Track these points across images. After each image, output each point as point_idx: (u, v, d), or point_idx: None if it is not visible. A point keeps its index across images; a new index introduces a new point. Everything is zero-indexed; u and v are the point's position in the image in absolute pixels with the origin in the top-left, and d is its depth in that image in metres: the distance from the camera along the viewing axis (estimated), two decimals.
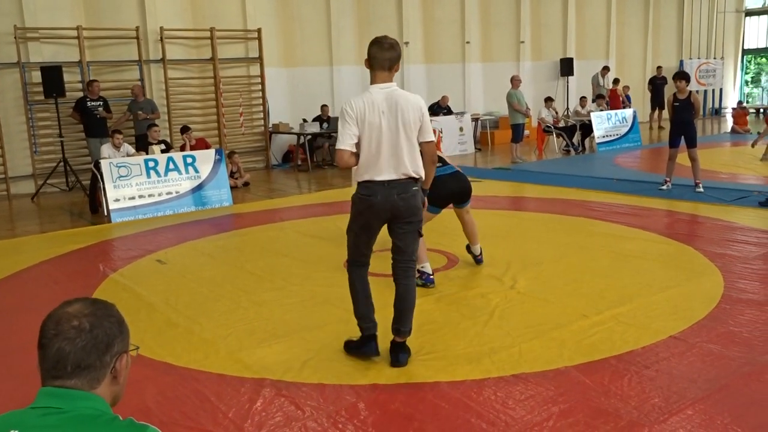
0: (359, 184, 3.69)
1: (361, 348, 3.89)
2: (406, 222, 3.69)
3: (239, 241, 7.26)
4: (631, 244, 6.37)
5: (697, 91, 18.97)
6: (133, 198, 8.74)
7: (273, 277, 5.71)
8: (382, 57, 3.63)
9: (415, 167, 3.65)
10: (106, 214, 8.98)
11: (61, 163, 11.14)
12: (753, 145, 11.93)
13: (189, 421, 3.26)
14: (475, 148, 15.33)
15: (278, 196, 10.29)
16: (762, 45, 23.39)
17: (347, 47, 15.01)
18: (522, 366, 3.72)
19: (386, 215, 3.66)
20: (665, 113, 19.14)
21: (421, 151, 3.74)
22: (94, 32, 11.65)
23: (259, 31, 13.26)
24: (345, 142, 3.59)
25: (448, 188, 5.51)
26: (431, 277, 5.30)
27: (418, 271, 5.17)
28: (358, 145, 3.62)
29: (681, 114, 8.60)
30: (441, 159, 5.54)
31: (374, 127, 3.58)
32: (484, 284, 5.33)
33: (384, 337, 3.88)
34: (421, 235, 3.86)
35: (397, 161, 3.59)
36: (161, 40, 12.18)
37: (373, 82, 3.69)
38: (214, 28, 12.72)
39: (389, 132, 3.58)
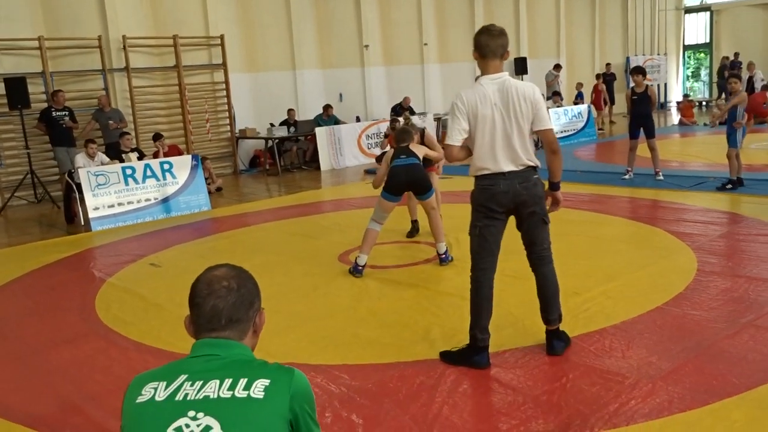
0: (477, 177, 3.64)
1: (472, 358, 3.69)
2: (531, 212, 3.62)
3: (228, 243, 7.40)
4: (606, 228, 6.79)
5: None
6: (113, 206, 8.77)
7: (272, 274, 5.89)
8: (495, 44, 3.52)
9: (529, 156, 3.58)
10: (82, 223, 8.99)
11: (29, 175, 11.02)
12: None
13: None
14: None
15: (253, 199, 10.41)
16: (701, 41, 24.49)
17: (309, 51, 15.21)
18: (528, 340, 4.01)
19: (510, 205, 3.59)
20: (615, 108, 20.13)
21: (541, 140, 3.67)
22: (56, 42, 11.56)
23: (222, 37, 13.34)
24: (453, 137, 3.58)
25: (400, 178, 5.72)
26: (360, 268, 5.63)
27: (355, 262, 5.70)
28: (467, 139, 3.60)
29: (639, 107, 9.10)
30: (406, 150, 5.85)
31: (487, 120, 3.52)
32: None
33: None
34: (546, 223, 3.72)
35: (512, 152, 3.54)
36: (124, 48, 12.15)
37: (484, 72, 3.59)
38: (177, 36, 12.75)
39: (502, 124, 3.52)
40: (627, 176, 9.39)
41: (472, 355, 3.68)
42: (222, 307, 1.66)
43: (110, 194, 8.78)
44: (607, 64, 19.65)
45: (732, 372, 3.42)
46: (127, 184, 8.92)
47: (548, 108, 14.66)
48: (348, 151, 13.85)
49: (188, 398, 1.53)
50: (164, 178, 9.23)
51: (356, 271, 5.62)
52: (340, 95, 15.76)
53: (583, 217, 7.34)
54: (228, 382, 1.55)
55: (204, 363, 1.61)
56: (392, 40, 16.72)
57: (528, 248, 3.77)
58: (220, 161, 13.65)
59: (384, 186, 5.78)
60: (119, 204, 8.83)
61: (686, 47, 24.52)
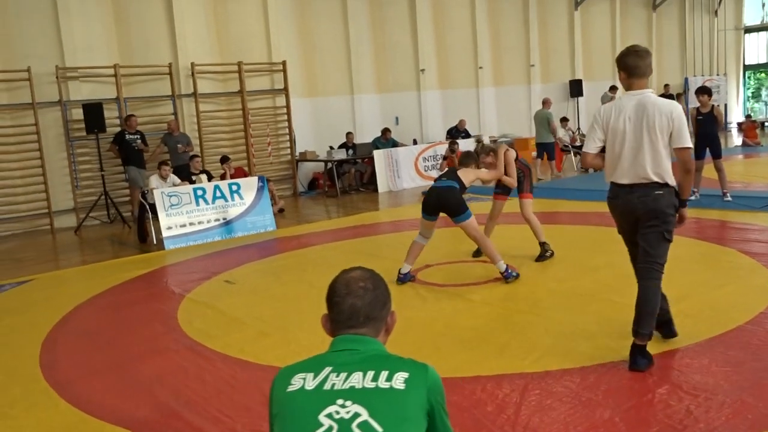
0: (610, 186, 3.93)
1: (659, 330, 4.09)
2: (648, 225, 3.75)
3: (296, 261, 7.60)
4: (677, 249, 6.68)
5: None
6: (184, 225, 9.10)
7: None
8: (644, 64, 3.78)
9: (658, 171, 3.70)
10: (155, 242, 9.34)
11: (102, 196, 11.52)
12: None
13: None
14: None
15: (314, 220, 10.65)
16: (762, 61, 24.00)
17: (366, 75, 15.55)
18: (606, 357, 4.04)
19: (630, 217, 3.82)
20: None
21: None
22: (130, 70, 12.13)
23: (284, 63, 13.76)
24: (589, 145, 3.92)
25: (431, 199, 6.04)
26: (402, 276, 6.08)
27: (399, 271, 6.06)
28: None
29: (705, 127, 9.02)
30: (450, 173, 6.21)
31: (618, 132, 3.76)
32: (553, 286, 5.68)
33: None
34: (668, 240, 3.80)
35: (637, 165, 3.72)
36: (192, 75, 12.65)
37: (628, 89, 3.85)
38: (242, 62, 13.21)
39: (633, 136, 3.72)
40: (693, 197, 9.26)
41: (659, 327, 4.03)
42: (360, 305, 1.81)
43: (182, 214, 9.12)
44: (666, 85, 19.42)
45: None
46: (198, 204, 9.26)
47: None
48: (405, 173, 14.02)
49: (335, 388, 1.67)
50: (232, 199, 9.54)
51: (399, 280, 6.05)
52: (396, 119, 16.00)
53: None
54: (371, 374, 1.68)
55: (346, 357, 1.75)
56: (447, 64, 16.93)
57: (639, 257, 3.87)
58: (280, 183, 13.99)
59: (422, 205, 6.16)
60: (190, 224, 9.16)
61: (746, 67, 24.05)
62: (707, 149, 9.10)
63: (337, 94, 15.16)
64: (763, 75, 24.75)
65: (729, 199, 9.00)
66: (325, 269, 6.97)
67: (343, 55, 15.14)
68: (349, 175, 14.30)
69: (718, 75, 22.37)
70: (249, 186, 9.77)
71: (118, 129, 11.59)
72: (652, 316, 3.81)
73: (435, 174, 14.04)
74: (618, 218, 3.93)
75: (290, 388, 1.72)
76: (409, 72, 16.24)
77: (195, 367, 4.45)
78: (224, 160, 11.08)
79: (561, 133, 14.75)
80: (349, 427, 1.60)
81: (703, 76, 21.97)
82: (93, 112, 11.19)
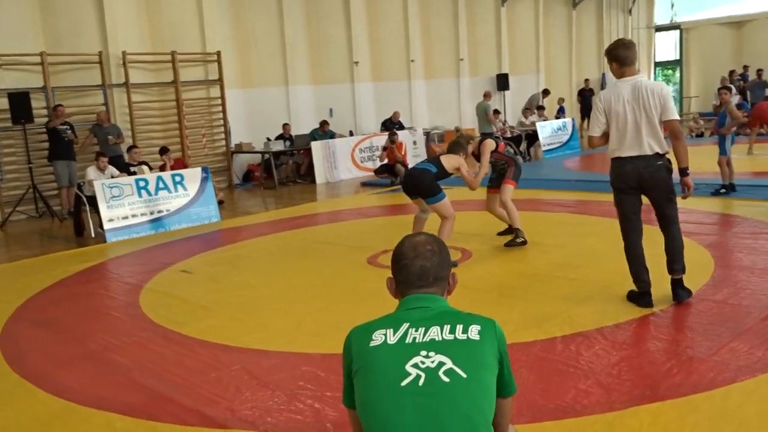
0: (612, 159, 4.49)
1: (638, 299, 4.61)
2: (654, 190, 4.44)
3: (250, 250, 7.58)
4: (612, 232, 7.15)
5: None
6: (127, 217, 8.88)
7: (307, 276, 6.12)
8: (632, 54, 4.40)
9: (656, 143, 4.35)
10: (93, 235, 9.07)
11: (30, 190, 11.05)
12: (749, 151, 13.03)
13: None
14: None
15: (257, 211, 10.59)
16: (670, 58, 25.44)
17: (301, 67, 15.51)
18: (576, 327, 4.31)
19: (635, 183, 4.43)
20: None
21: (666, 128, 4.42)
22: (57, 58, 11.65)
23: (218, 53, 13.56)
24: (594, 130, 4.51)
25: (407, 180, 6.43)
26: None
27: None
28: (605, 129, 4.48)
29: None
30: (432, 158, 6.51)
31: (620, 114, 4.35)
32: (524, 263, 5.94)
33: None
34: (672, 199, 4.48)
35: (639, 141, 4.34)
36: (124, 64, 12.29)
37: (620, 77, 4.41)
38: (176, 52, 12.93)
39: (633, 116, 4.33)
40: None
41: (640, 297, 4.60)
42: (429, 266, 1.94)
43: (124, 206, 8.89)
44: (586, 80, 20.33)
45: None
46: (140, 196, 9.05)
47: (534, 122, 15.19)
48: (342, 164, 14.11)
49: (416, 341, 1.80)
50: (176, 190, 9.38)
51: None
52: (331, 110, 16.05)
53: (595, 221, 7.71)
54: (447, 327, 1.82)
55: (420, 313, 1.88)
56: (380, 57, 17.10)
57: (658, 216, 4.60)
58: (215, 175, 13.70)
59: None
60: (133, 215, 8.95)
61: (657, 64, 25.43)
62: None
63: (272, 85, 15.06)
64: (669, 71, 26.22)
65: None
66: (281, 257, 7.06)
67: (278, 47, 15.05)
68: (286, 167, 14.25)
69: None
70: (193, 177, 9.63)
71: (46, 119, 11.13)
72: (682, 253, 4.55)
73: (372, 165, 14.24)
74: (625, 183, 4.47)
75: (372, 343, 1.82)
76: (343, 64, 16.31)
77: (173, 353, 4.42)
78: (164, 151, 10.85)
79: (499, 125, 15.24)
80: (436, 374, 1.74)
81: None
82: (19, 101, 10.71)
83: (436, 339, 1.80)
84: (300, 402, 3.54)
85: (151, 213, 9.10)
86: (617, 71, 4.46)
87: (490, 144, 6.62)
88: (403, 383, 1.74)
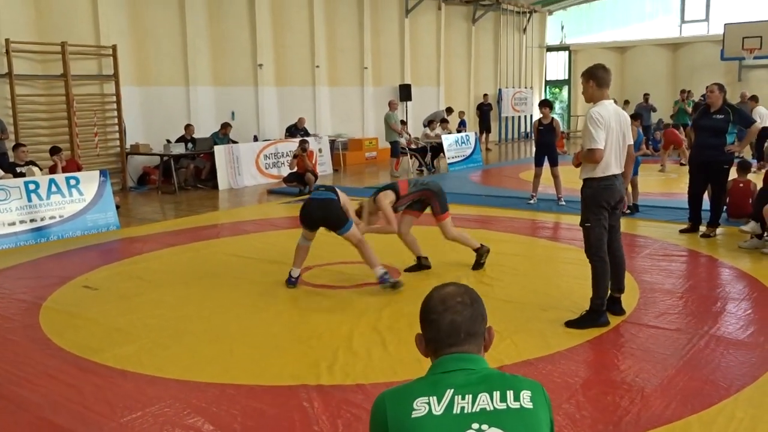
0: (600, 178, 4.62)
1: (597, 320, 4.71)
2: (619, 204, 4.80)
3: (159, 263, 7.03)
4: (537, 249, 7.26)
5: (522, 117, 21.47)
6: (14, 224, 8.04)
7: (229, 295, 5.73)
8: (609, 77, 4.68)
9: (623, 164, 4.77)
10: None
11: None
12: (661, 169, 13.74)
13: None
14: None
15: (157, 219, 9.94)
16: (559, 77, 26.65)
17: (202, 67, 14.82)
18: (523, 355, 4.26)
19: (616, 198, 4.70)
20: (491, 136, 21.43)
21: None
22: None
23: (114, 47, 12.69)
24: (600, 143, 4.52)
25: (308, 212, 5.79)
26: (293, 279, 5.93)
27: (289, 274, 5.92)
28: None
29: (545, 137, 9.82)
30: (327, 186, 6.09)
31: (613, 132, 4.61)
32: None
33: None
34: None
35: (620, 160, 4.72)
36: (7, 53, 11.21)
37: (600, 98, 4.65)
38: (66, 43, 11.97)
39: (618, 136, 4.66)
40: (532, 201, 10.06)
41: (599, 318, 4.71)
42: (460, 321, 1.72)
43: (11, 211, 8.04)
44: (485, 95, 20.84)
45: (716, 377, 3.86)
46: (30, 200, 8.22)
47: (438, 134, 15.34)
48: (246, 170, 13.60)
49: (465, 411, 1.58)
50: (70, 194, 8.60)
51: (290, 282, 5.92)
52: (233, 113, 15.46)
53: (507, 238, 7.79)
54: (497, 394, 1.61)
55: (465, 377, 1.65)
56: (285, 61, 16.68)
57: (613, 231, 4.82)
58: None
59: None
60: (21, 221, 8.11)
61: (547, 82, 26.55)
62: (545, 157, 9.90)
63: (172, 85, 14.28)
64: (557, 90, 27.45)
65: (563, 203, 9.86)
66: (195, 272, 6.61)
67: (178, 45, 14.28)
68: (186, 171, 13.54)
69: (525, 88, 24.45)
70: (89, 180, 8.88)
71: None
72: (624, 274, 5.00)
73: (277, 172, 13.83)
74: (613, 200, 4.71)
75: (415, 414, 1.59)
76: (246, 66, 15.75)
77: (91, 386, 3.94)
78: (55, 150, 9.93)
79: (406, 136, 15.26)
80: None
81: (513, 87, 23.89)
82: None
83: (488, 408, 1.60)
84: None
85: (42, 219, 8.29)
86: (596, 92, 4.67)
87: (384, 196, 6.03)
88: None
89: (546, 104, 9.87)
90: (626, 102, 19.23)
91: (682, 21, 23.36)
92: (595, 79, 4.64)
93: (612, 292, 4.89)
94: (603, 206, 4.67)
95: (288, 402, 3.66)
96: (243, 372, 4.09)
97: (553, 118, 9.89)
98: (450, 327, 1.71)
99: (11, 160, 9.65)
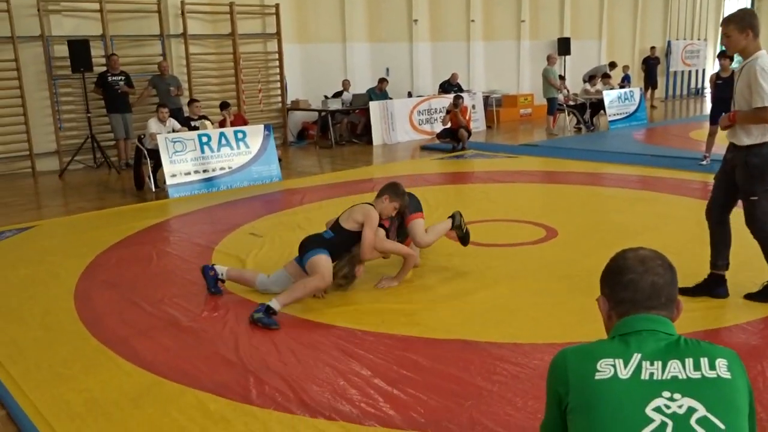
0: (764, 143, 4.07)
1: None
2: None
3: (319, 214, 7.26)
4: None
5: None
6: (189, 173, 8.67)
7: None
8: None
9: None
10: (153, 189, 8.88)
11: (88, 139, 10.91)
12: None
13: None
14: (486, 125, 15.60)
15: (317, 172, 10.30)
16: None
17: (359, 24, 15.00)
18: (695, 324, 3.94)
19: None
20: (658, 92, 19.97)
21: None
22: (116, 5, 11.38)
23: (276, 6, 13.15)
24: None
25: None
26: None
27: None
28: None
29: (724, 91, 8.92)
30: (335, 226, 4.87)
31: None
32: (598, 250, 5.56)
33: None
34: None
35: None
36: (182, 14, 11.98)
37: (756, 50, 4.03)
38: (234, 3, 12.56)
39: None
40: (704, 162, 9.26)
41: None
42: (661, 284, 1.59)
43: (187, 161, 8.67)
44: (652, 48, 19.38)
45: None
46: (203, 152, 8.81)
47: (599, 90, 14.52)
48: (400, 126, 13.70)
49: (655, 378, 1.46)
50: (238, 147, 9.12)
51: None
52: (387, 70, 15.56)
53: (675, 201, 7.25)
54: (689, 361, 1.48)
55: (654, 342, 1.53)
56: (440, 16, 16.47)
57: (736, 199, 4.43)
58: None
59: None
60: (195, 172, 8.73)
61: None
62: (722, 114, 9.01)
63: (329, 42, 14.61)
64: None
65: None
66: None
67: (336, 2, 14.54)
68: (341, 126, 13.89)
69: (698, 39, 22.46)
70: (255, 134, 9.35)
71: (104, 69, 10.91)
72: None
73: (430, 128, 13.80)
74: None
75: (599, 375, 1.49)
76: (401, 22, 15.74)
77: (260, 330, 4.14)
78: (224, 106, 10.56)
79: (565, 92, 14.64)
80: (687, 423, 1.40)
81: (685, 39, 22.03)
82: (79, 49, 10.49)
83: (680, 377, 1.46)
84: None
85: (213, 170, 8.87)
86: (752, 43, 4.04)
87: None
88: (645, 431, 1.41)
89: (725, 55, 8.95)
90: None
91: None
92: (752, 29, 4.01)
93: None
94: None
95: (444, 355, 3.66)
96: (397, 323, 4.14)
97: (733, 71, 8.94)
98: (651, 289, 1.59)
99: (186, 114, 10.35)
